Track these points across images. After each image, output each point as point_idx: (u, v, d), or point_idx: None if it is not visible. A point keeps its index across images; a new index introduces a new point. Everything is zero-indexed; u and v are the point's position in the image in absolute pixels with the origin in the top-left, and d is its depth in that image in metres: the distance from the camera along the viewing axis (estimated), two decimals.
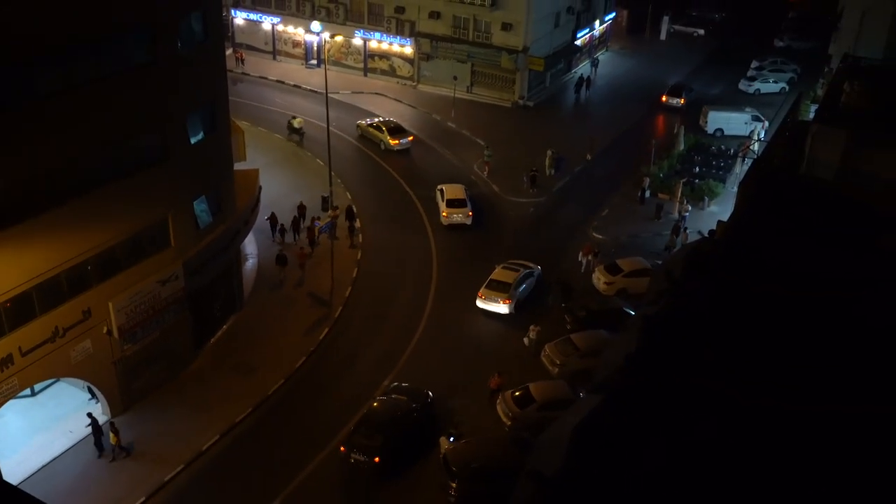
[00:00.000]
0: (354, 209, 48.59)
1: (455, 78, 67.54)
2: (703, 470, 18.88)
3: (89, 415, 32.76)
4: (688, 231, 47.78)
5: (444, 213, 49.71)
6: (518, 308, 41.92)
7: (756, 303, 23.82)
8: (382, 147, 58.83)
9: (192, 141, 35.84)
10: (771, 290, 23.88)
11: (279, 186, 52.48)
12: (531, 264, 44.37)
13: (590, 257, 45.45)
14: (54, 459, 32.45)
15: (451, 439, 33.29)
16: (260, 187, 44.35)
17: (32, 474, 31.64)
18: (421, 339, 40.53)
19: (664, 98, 69.32)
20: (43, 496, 28.37)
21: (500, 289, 41.86)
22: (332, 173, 50.18)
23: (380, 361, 38.98)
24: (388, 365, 38.55)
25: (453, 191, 50.90)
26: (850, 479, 18.82)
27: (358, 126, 61.15)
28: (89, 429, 32.97)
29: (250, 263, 45.74)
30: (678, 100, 68.55)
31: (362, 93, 68.84)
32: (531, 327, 38.65)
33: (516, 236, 48.50)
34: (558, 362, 37.24)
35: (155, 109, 33.11)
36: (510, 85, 67.78)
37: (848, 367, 21.53)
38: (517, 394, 35.08)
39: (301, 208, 47.94)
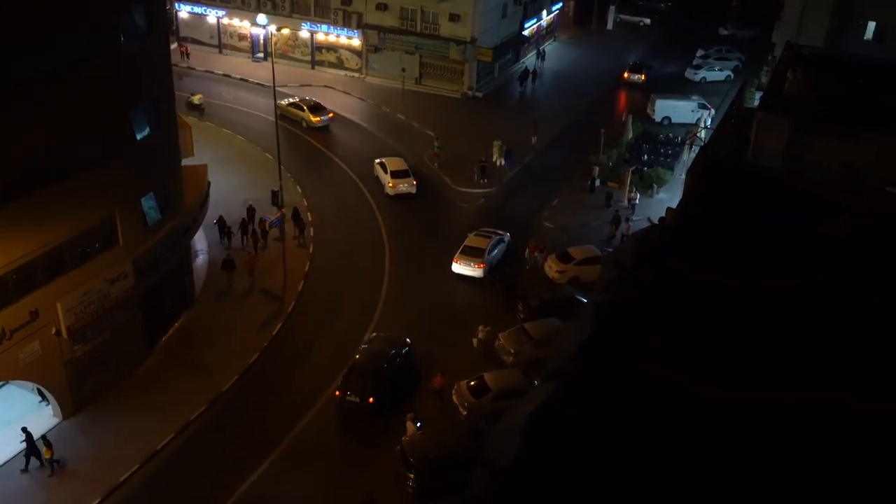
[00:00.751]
0: (300, 211, 48.14)
1: (403, 70, 67.53)
2: (654, 458, 19.27)
3: (24, 429, 31.72)
4: (630, 221, 48.35)
5: (389, 185, 51.83)
6: (490, 271, 44.38)
7: (703, 290, 24.31)
8: (304, 125, 60.57)
9: (138, 137, 35.47)
10: (716, 277, 24.40)
11: (228, 182, 52.12)
12: (501, 231, 46.72)
13: (536, 254, 45.58)
14: (5, 463, 32.04)
15: (419, 424, 33.67)
16: (209, 183, 43.97)
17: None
18: (378, 324, 40.66)
19: (626, 74, 72.61)
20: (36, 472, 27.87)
21: (473, 254, 44.37)
22: (282, 167, 49.84)
23: (336, 351, 38.98)
24: (345, 354, 38.44)
25: (395, 163, 53.33)
26: (797, 463, 19.33)
27: (278, 106, 60.64)
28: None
29: (201, 260, 45.38)
30: (639, 76, 72.08)
31: (310, 86, 68.50)
32: (480, 327, 38.48)
33: (467, 228, 48.76)
34: (512, 351, 37.57)
35: (98, 106, 32.70)
36: (459, 76, 67.98)
37: (792, 354, 22.09)
38: (472, 383, 35.34)
39: (250, 210, 47.23)
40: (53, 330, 32.46)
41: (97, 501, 30.87)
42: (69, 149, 32.05)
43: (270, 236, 46.35)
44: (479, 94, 68.16)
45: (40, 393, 34.73)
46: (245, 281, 43.28)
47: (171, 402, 35.53)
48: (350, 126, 61.97)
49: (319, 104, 62.10)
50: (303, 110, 61.25)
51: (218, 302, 42.01)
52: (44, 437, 31.48)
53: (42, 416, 34.39)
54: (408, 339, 38.26)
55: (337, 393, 35.42)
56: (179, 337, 39.61)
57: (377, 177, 53.84)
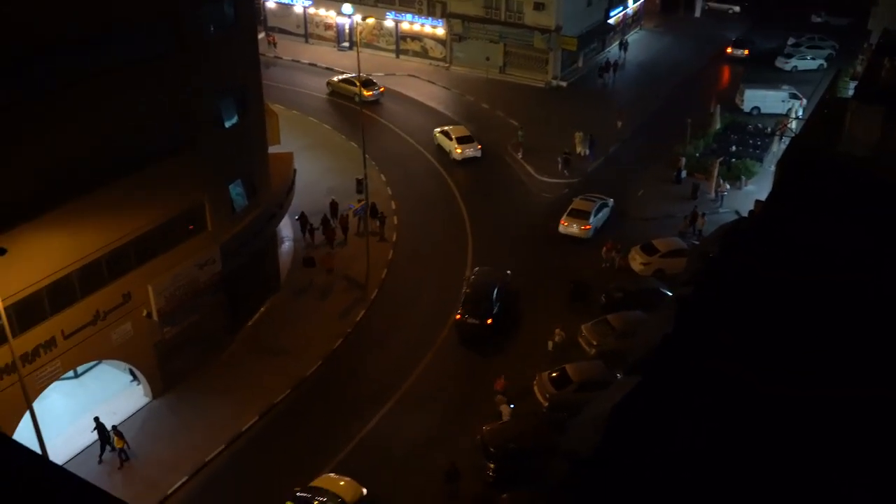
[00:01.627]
0: (376, 205, 47.83)
1: (487, 59, 67.37)
2: (733, 455, 18.93)
3: (95, 419, 32.45)
4: (705, 216, 47.10)
5: (457, 150, 54.78)
6: (595, 233, 46.44)
7: (784, 284, 23.73)
8: (357, 99, 59.97)
9: (226, 125, 36.20)
10: (797, 272, 23.78)
11: (313, 169, 52.82)
12: (605, 197, 48.64)
13: (613, 254, 44.24)
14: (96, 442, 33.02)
15: (512, 406, 34.01)
16: (294, 170, 44.72)
17: (77, 454, 32.33)
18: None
19: (729, 50, 74.69)
20: (88, 476, 29.15)
21: (580, 216, 46.61)
22: (367, 156, 50.29)
23: (419, 338, 39.31)
24: (426, 344, 38.82)
25: (458, 130, 56.62)
26: (868, 462, 18.77)
27: (329, 83, 65.06)
28: (129, 409, 33.52)
29: (286, 246, 46.10)
30: (743, 51, 73.95)
31: (395, 75, 68.90)
32: (556, 330, 37.87)
33: (550, 219, 48.50)
34: (595, 343, 37.28)
35: (186, 94, 33.48)
36: (543, 65, 67.53)
37: (871, 351, 21.42)
38: (554, 375, 35.19)
39: (332, 206, 47.35)
40: (145, 312, 33.45)
41: (184, 479, 31.74)
42: (159, 135, 32.97)
43: (350, 231, 46.48)
44: (563, 84, 67.60)
45: (131, 373, 35.82)
46: (323, 279, 43.21)
47: (256, 385, 36.25)
48: (435, 115, 62.20)
49: (371, 80, 64.07)
50: (355, 85, 62.81)
51: (303, 288, 42.60)
52: (115, 427, 32.22)
53: (133, 395, 35.51)
54: (508, 272, 42.15)
55: (458, 317, 38.87)
56: (264, 322, 40.33)
57: (438, 145, 56.57)
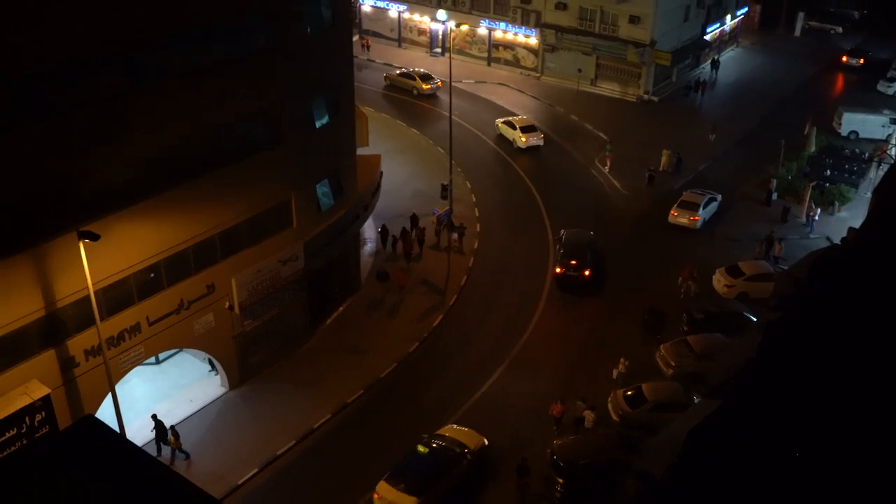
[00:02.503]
0: (457, 220, 47.06)
1: (580, 70, 66.79)
2: (810, 487, 18.22)
3: (154, 417, 32.49)
4: (782, 243, 45.49)
5: (521, 139, 57.39)
6: (703, 225, 48.28)
7: (876, 317, 22.78)
8: (415, 92, 65.47)
9: (317, 125, 36.55)
10: (891, 305, 22.79)
11: (399, 172, 53.03)
12: (714, 192, 50.17)
13: (690, 282, 42.54)
14: (176, 425, 33.55)
15: (593, 409, 33.82)
16: (381, 173, 44.91)
17: (153, 438, 32.78)
18: (534, 332, 40.42)
19: (844, 58, 74.88)
20: (165, 459, 29.63)
21: (689, 207, 48.45)
22: (453, 162, 50.34)
23: (496, 344, 39.03)
24: (501, 354, 38.52)
25: (521, 120, 59.06)
26: None
27: (386, 77, 67.17)
28: (206, 398, 34.01)
29: (368, 248, 46.31)
30: (858, 60, 74.33)
31: (485, 83, 68.82)
32: (622, 360, 36.89)
33: (630, 237, 47.73)
34: (673, 364, 36.48)
35: (281, 93, 33.90)
36: (635, 79, 66.61)
37: None
38: (629, 393, 34.53)
39: (413, 219, 46.83)
40: (227, 304, 33.93)
41: (253, 472, 32.05)
42: (251, 131, 33.47)
43: (427, 244, 46.01)
44: (655, 99, 66.58)
45: (210, 363, 36.37)
46: (394, 297, 42.13)
47: (330, 382, 36.43)
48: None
49: (429, 74, 66.11)
50: (414, 79, 65.42)
51: (381, 290, 42.76)
52: (172, 427, 32.30)
53: (210, 385, 36.04)
54: (592, 233, 45.66)
55: (558, 270, 42.84)
56: (342, 321, 40.55)
57: (500, 134, 58.99)
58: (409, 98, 65.01)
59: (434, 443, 31.74)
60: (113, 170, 28.53)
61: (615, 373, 36.45)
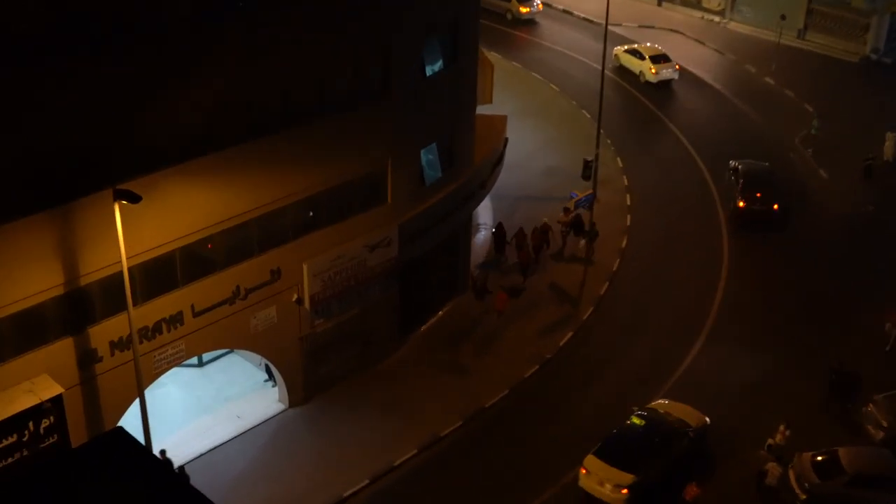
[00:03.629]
0: (583, 220, 45.96)
1: (783, 17, 64.68)
2: None
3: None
4: None
5: (651, 70, 60.66)
6: None
7: None
8: (509, 17, 68.99)
9: (428, 73, 36.33)
10: None
11: (529, 141, 52.71)
12: None
13: None
14: (217, 447, 33.99)
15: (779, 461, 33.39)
16: (506, 139, 44.62)
17: (190, 461, 33.15)
18: (699, 356, 39.58)
19: None
20: (201, 488, 30.00)
21: None
22: (602, 131, 49.68)
23: (638, 378, 38.52)
24: (648, 388, 37.76)
25: (650, 49, 62.32)
26: None
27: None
28: (258, 416, 34.28)
29: (481, 236, 46.16)
30: None
31: (652, 27, 67.84)
32: (780, 427, 34.91)
33: (834, 246, 46.33)
34: (885, 424, 35.15)
35: (383, 29, 33.77)
36: (861, 33, 64.33)
37: None
38: (819, 458, 33.27)
39: (544, 228, 45.37)
40: (295, 296, 34.00)
41: None
42: (343, 79, 33.42)
43: (547, 251, 45.31)
44: (888, 60, 64.08)
45: (267, 370, 36.62)
46: (491, 323, 41.22)
47: (419, 408, 36.39)
48: (698, 87, 60.67)
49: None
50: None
51: (496, 292, 42.49)
52: (181, 468, 31.57)
53: (265, 399, 36.28)
54: (767, 164, 49.52)
55: (740, 204, 47.17)
56: (442, 328, 40.52)
57: (621, 66, 62.44)
58: (503, 26, 65.00)
59: (650, 416, 34.24)
60: (168, 119, 28.84)
61: (769, 442, 34.97)
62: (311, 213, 33.76)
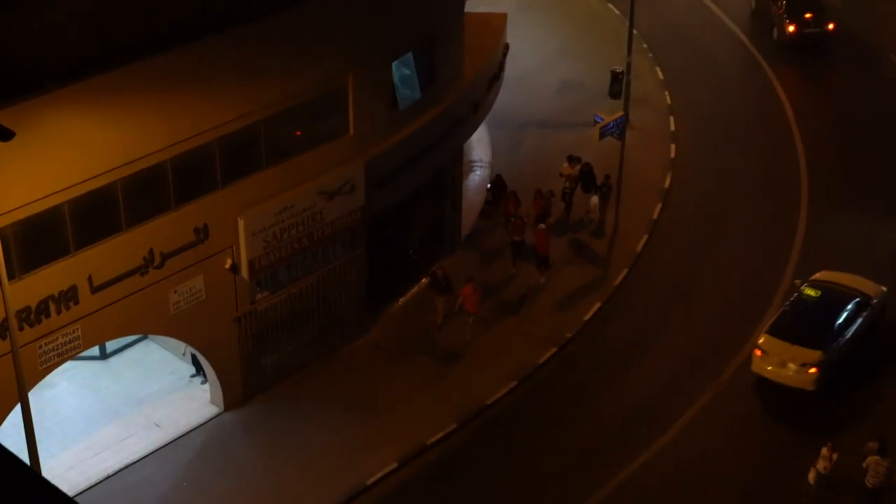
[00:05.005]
0: (594, 174, 45.36)
1: None
2: None
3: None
4: None
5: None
6: None
7: None
8: None
9: None
10: None
11: (538, 48, 52.77)
12: None
13: None
14: (129, 466, 33.64)
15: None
16: (506, 46, 44.38)
17: (92, 486, 32.96)
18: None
19: None
20: None
21: None
22: (635, 31, 49.31)
23: (682, 373, 38.37)
24: (698, 380, 37.76)
25: None
26: None
27: None
28: (183, 422, 34.06)
29: (476, 177, 46.18)
30: None
31: None
32: (823, 450, 34.63)
33: None
34: None
35: None
36: None
37: None
38: None
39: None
40: (228, 263, 33.71)
41: None
42: None
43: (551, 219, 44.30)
44: None
45: (194, 362, 36.42)
46: (457, 322, 39.93)
47: (399, 408, 36.33)
48: None
49: None
50: None
51: (497, 251, 42.54)
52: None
53: (191, 401, 36.02)
54: None
55: (790, 29, 53.40)
56: (425, 302, 40.46)
57: None
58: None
59: (824, 287, 38.11)
60: (46, 28, 28.25)
61: (812, 474, 34.83)
62: (247, 150, 33.46)
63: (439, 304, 39.37)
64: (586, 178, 45.20)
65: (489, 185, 45.78)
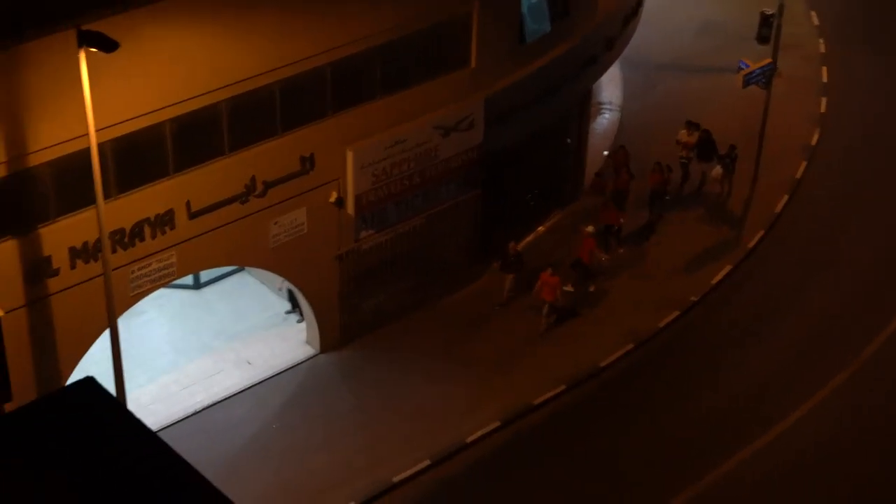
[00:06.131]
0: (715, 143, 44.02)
1: None
2: None
3: None
4: None
5: None
6: None
7: None
8: None
9: None
10: None
11: None
12: None
13: None
14: (217, 403, 34.56)
15: None
16: None
17: (178, 421, 33.89)
18: None
19: None
20: (193, 460, 30.50)
21: None
22: None
23: (820, 338, 38.32)
24: (837, 354, 37.54)
25: None
26: None
27: None
28: (277, 361, 34.76)
29: (605, 119, 46.32)
30: None
31: None
32: None
33: None
34: None
35: None
36: None
37: None
38: None
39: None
40: (333, 196, 34.22)
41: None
42: None
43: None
44: None
45: (291, 299, 37.12)
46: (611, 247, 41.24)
47: (504, 365, 36.62)
48: None
49: None
50: None
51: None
52: None
53: (285, 339, 36.79)
54: None
55: None
56: (539, 252, 40.62)
57: None
58: None
59: None
60: None
61: None
62: (360, 78, 33.74)
63: (506, 282, 38.85)
64: (705, 147, 43.85)
65: (606, 153, 44.93)
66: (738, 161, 43.54)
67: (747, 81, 43.79)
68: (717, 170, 43.57)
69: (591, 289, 39.68)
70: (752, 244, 41.83)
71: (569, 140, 42.21)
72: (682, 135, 43.96)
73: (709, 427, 35.46)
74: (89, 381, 21.63)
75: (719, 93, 46.40)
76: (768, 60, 43.71)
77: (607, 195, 42.07)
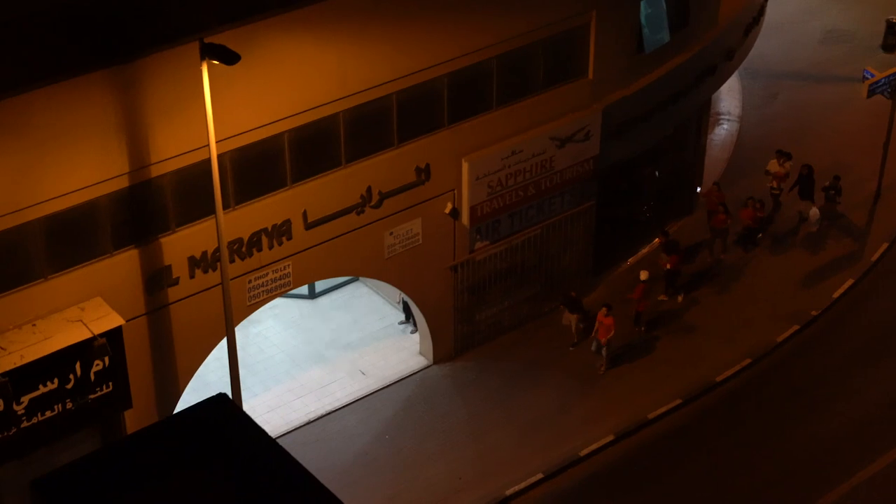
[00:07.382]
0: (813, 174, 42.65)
1: None
2: None
3: None
4: None
5: None
6: None
7: None
8: None
9: None
10: None
11: None
12: None
13: None
14: (331, 413, 35.24)
15: None
16: None
17: (292, 430, 34.57)
18: None
19: None
20: (313, 467, 31.16)
21: None
22: None
23: None
24: None
25: None
26: None
27: None
28: (389, 372, 35.24)
29: (723, 130, 46.33)
30: None
31: None
32: None
33: None
34: None
35: None
36: None
37: None
38: None
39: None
40: (448, 207, 34.75)
41: None
42: None
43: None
44: None
45: (405, 310, 37.69)
46: (730, 261, 41.71)
47: (619, 378, 36.90)
48: None
49: None
50: None
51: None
52: None
53: (399, 350, 37.39)
54: None
55: None
56: (655, 265, 40.46)
57: None
58: None
59: None
60: None
61: None
62: (477, 89, 34.14)
63: (571, 321, 38.15)
64: (805, 183, 42.45)
65: (699, 189, 43.57)
66: (840, 195, 42.59)
67: (872, 91, 43.55)
68: (815, 211, 42.51)
69: (679, 299, 39.93)
70: (875, 257, 41.62)
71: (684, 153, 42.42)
72: (773, 164, 43.05)
73: (834, 444, 35.20)
74: (222, 398, 22.62)
75: (843, 103, 46.12)
76: (894, 70, 43.76)
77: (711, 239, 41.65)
